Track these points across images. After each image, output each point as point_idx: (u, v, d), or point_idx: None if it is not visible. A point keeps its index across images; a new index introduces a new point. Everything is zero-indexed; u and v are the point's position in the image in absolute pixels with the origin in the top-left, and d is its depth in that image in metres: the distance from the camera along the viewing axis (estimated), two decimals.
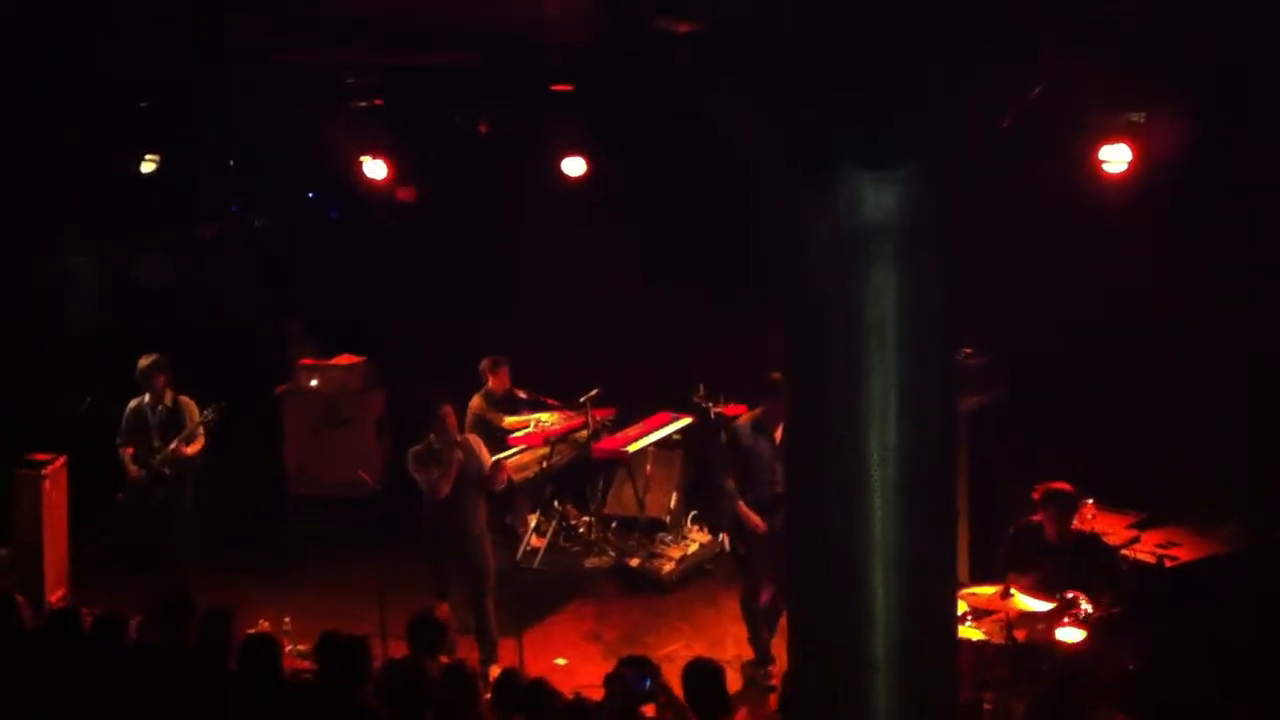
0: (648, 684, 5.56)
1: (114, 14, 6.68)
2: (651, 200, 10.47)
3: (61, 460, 9.34)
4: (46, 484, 9.13)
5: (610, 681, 5.67)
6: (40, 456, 9.23)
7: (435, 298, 11.82)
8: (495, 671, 7.89)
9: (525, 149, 10.09)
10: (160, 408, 9.19)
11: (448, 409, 8.27)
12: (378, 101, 9.02)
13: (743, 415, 8.45)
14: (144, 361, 9.19)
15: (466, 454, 8.24)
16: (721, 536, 10.41)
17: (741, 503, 8.00)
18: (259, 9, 6.27)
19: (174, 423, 9.16)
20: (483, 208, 11.51)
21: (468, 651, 7.96)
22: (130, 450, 9.19)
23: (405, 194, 11.30)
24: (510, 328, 10.98)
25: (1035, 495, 7.35)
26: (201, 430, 9.20)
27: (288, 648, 6.97)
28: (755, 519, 7.93)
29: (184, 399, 9.25)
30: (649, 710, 5.70)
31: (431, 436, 8.17)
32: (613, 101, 8.96)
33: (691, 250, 10.39)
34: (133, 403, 9.25)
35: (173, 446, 9.06)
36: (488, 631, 8.21)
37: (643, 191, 10.45)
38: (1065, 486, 7.27)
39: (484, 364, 10.34)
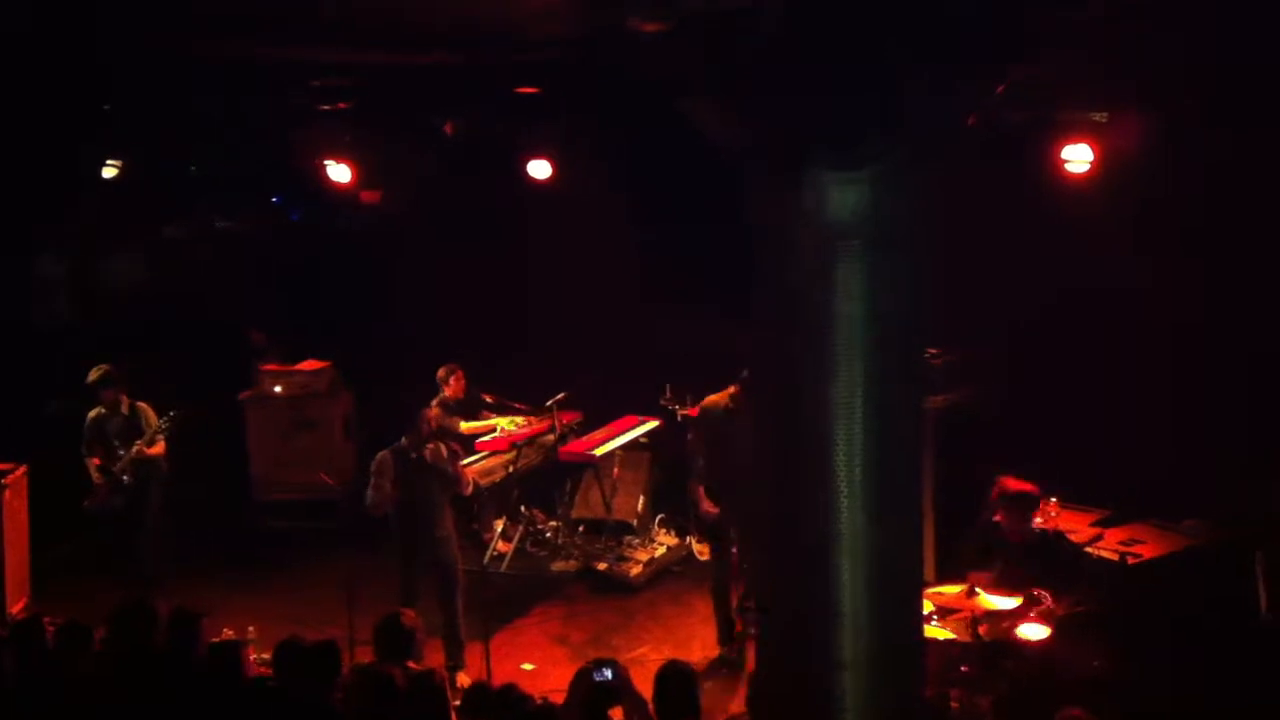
0: (607, 674, 5.54)
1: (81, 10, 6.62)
2: (616, 204, 10.46)
3: (23, 469, 9.24)
4: (7, 493, 9.03)
5: (573, 680, 5.67)
6: (1, 466, 9.13)
7: (402, 300, 11.78)
8: (463, 678, 7.87)
9: (491, 151, 10.07)
10: (117, 417, 9.14)
11: (426, 414, 8.31)
12: (342, 105, 8.98)
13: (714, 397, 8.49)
14: (93, 375, 9.13)
15: (434, 457, 8.22)
16: (689, 539, 10.44)
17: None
18: (231, 5, 6.23)
19: (132, 430, 9.11)
20: (448, 210, 11.48)
21: (435, 655, 7.93)
22: (96, 460, 9.13)
23: (370, 196, 11.25)
24: (475, 331, 10.96)
25: (993, 495, 7.39)
26: (161, 435, 9.15)
27: (253, 656, 6.91)
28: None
29: (141, 405, 9.19)
30: (616, 714, 5.69)
31: (405, 440, 8.15)
32: (583, 103, 8.96)
33: (657, 253, 10.40)
34: (92, 413, 9.19)
35: (134, 450, 9.01)
36: (456, 635, 8.18)
37: (608, 195, 10.44)
38: (1024, 486, 7.29)
39: (440, 373, 10.31)
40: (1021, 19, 3.69)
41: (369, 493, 8.11)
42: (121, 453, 9.04)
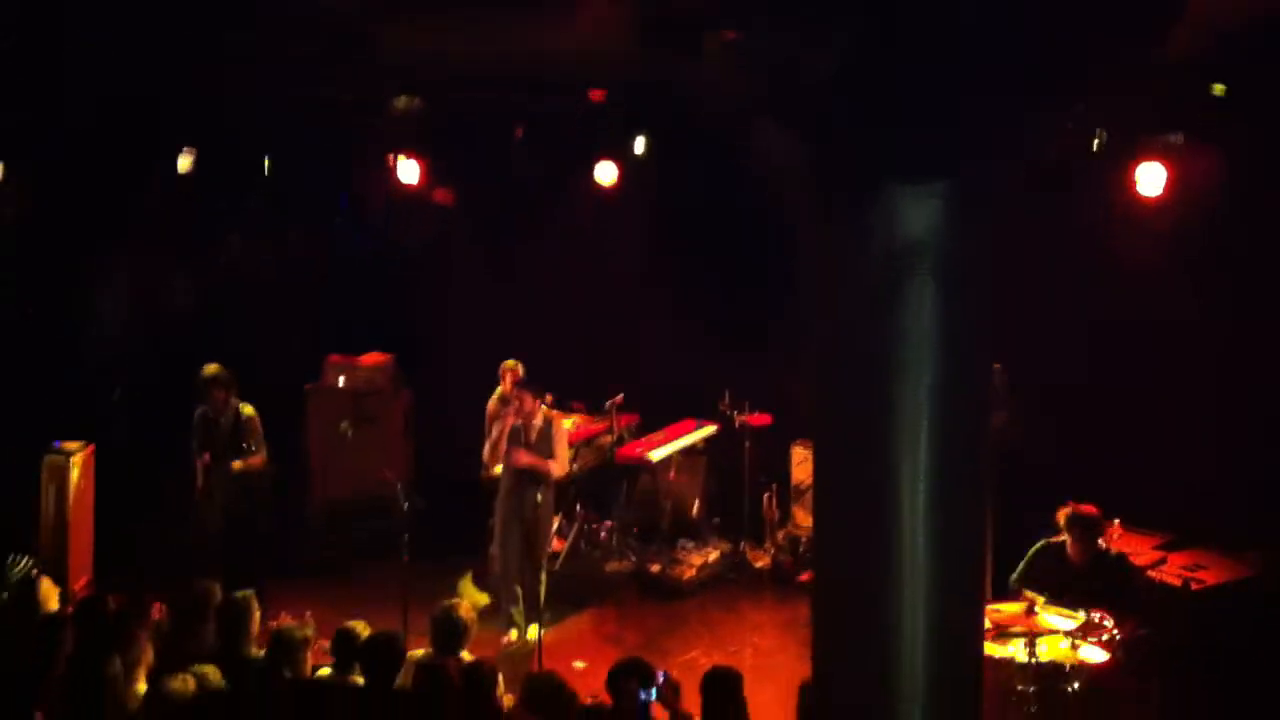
0: (653, 695, 5.60)
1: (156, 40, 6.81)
2: (684, 207, 10.48)
3: (90, 449, 9.40)
4: (74, 472, 9.19)
5: (616, 692, 5.68)
6: (69, 445, 9.29)
7: (464, 299, 11.82)
8: (534, 631, 8.33)
9: (559, 154, 10.12)
10: (225, 418, 9.03)
11: (523, 394, 8.90)
12: (416, 102, 9.06)
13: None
14: (205, 372, 9.05)
15: (541, 436, 8.83)
16: (742, 545, 10.42)
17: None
18: (310, 55, 6.38)
19: (238, 435, 9.02)
20: (514, 211, 11.53)
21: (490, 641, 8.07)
22: (205, 458, 9.00)
23: (443, 196, 11.28)
24: (538, 331, 10.98)
25: (1059, 517, 7.32)
26: (259, 450, 9.11)
27: (310, 640, 6.98)
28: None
29: (248, 414, 9.09)
30: (661, 716, 5.73)
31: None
32: (650, 115, 9.04)
33: (721, 258, 10.40)
34: (199, 410, 9.10)
35: (235, 468, 8.99)
36: (536, 593, 8.43)
37: (675, 198, 10.46)
38: (1090, 509, 7.23)
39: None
40: (1089, 52, 3.65)
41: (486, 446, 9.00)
42: (234, 458, 8.99)
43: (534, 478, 8.81)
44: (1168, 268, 8.44)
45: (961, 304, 3.38)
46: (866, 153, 3.40)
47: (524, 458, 8.76)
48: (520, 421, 8.83)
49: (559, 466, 8.97)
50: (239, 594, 6.64)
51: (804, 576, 9.61)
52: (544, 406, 9.07)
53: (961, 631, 3.49)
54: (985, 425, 3.65)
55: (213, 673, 5.76)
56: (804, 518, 10.26)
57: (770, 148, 3.61)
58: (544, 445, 8.87)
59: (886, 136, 3.38)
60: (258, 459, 9.10)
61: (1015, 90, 3.39)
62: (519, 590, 8.79)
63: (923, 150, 3.37)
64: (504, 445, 8.82)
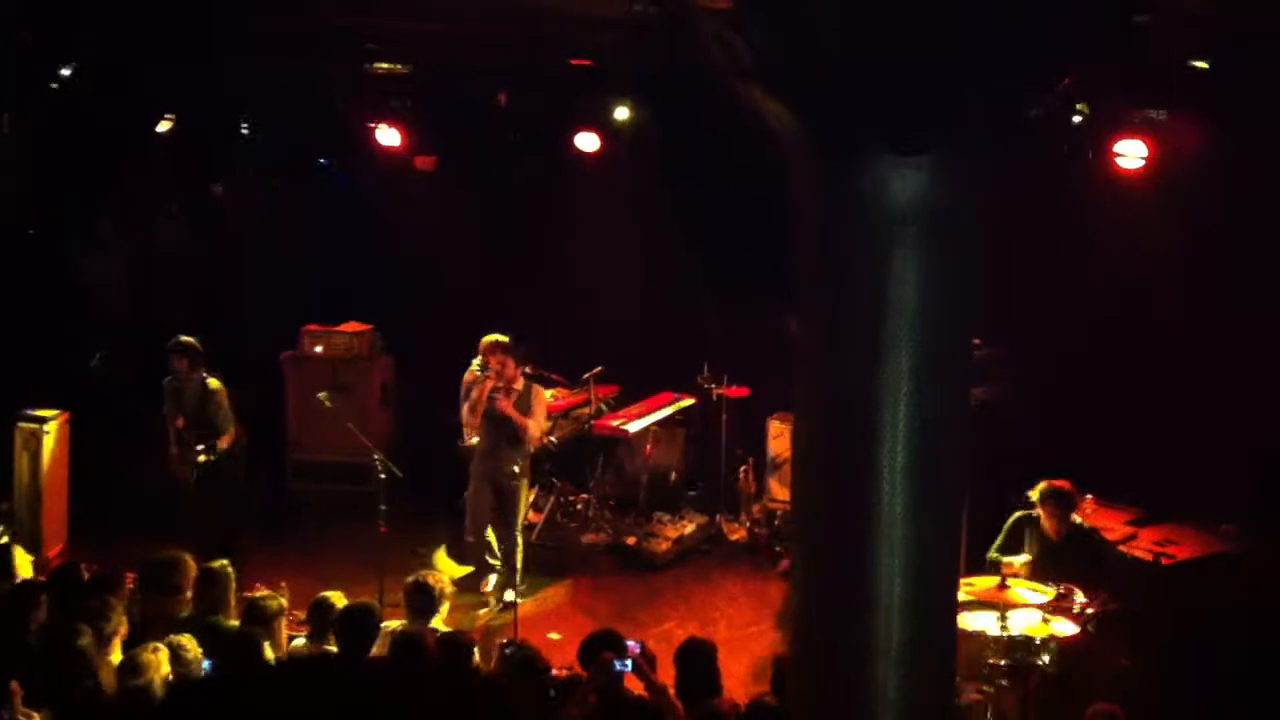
0: (628, 666, 5.64)
1: None
2: (664, 180, 10.44)
3: (65, 417, 9.34)
4: (47, 439, 9.14)
5: (590, 664, 5.71)
6: (43, 412, 9.23)
7: (444, 267, 11.76)
8: (510, 594, 8.45)
9: (541, 122, 10.07)
10: (191, 388, 8.85)
11: (506, 359, 8.96)
12: (398, 68, 9.00)
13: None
14: (173, 341, 8.91)
15: (520, 401, 8.91)
16: (718, 518, 10.46)
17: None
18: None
19: (203, 409, 8.82)
20: (495, 179, 11.46)
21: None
22: (178, 424, 8.84)
23: (424, 162, 11.19)
24: (517, 301, 10.96)
25: (1034, 493, 7.37)
26: (230, 424, 8.92)
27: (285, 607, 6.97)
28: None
29: (212, 384, 8.85)
30: (635, 686, 5.76)
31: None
32: (634, 80, 8.99)
33: (701, 231, 10.37)
34: (167, 379, 8.97)
35: (201, 458, 8.76)
36: (511, 561, 8.60)
37: (655, 170, 10.41)
38: (1064, 484, 7.28)
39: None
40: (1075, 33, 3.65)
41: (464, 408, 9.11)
42: (200, 430, 8.80)
43: (510, 442, 8.87)
44: (1148, 238, 8.46)
45: (946, 269, 3.40)
46: (855, 124, 3.40)
47: (507, 405, 8.84)
48: (500, 385, 8.88)
49: (536, 426, 9.00)
50: (216, 564, 6.63)
51: (784, 564, 9.45)
52: (524, 375, 9.12)
53: (938, 591, 3.51)
54: (965, 391, 3.67)
55: (189, 643, 5.74)
56: (780, 491, 10.30)
57: (763, 114, 3.60)
58: (523, 410, 8.94)
59: (875, 109, 3.38)
60: (224, 440, 8.86)
61: (1003, 72, 3.40)
62: (489, 539, 8.96)
63: (910, 124, 3.38)
64: (483, 407, 8.90)
